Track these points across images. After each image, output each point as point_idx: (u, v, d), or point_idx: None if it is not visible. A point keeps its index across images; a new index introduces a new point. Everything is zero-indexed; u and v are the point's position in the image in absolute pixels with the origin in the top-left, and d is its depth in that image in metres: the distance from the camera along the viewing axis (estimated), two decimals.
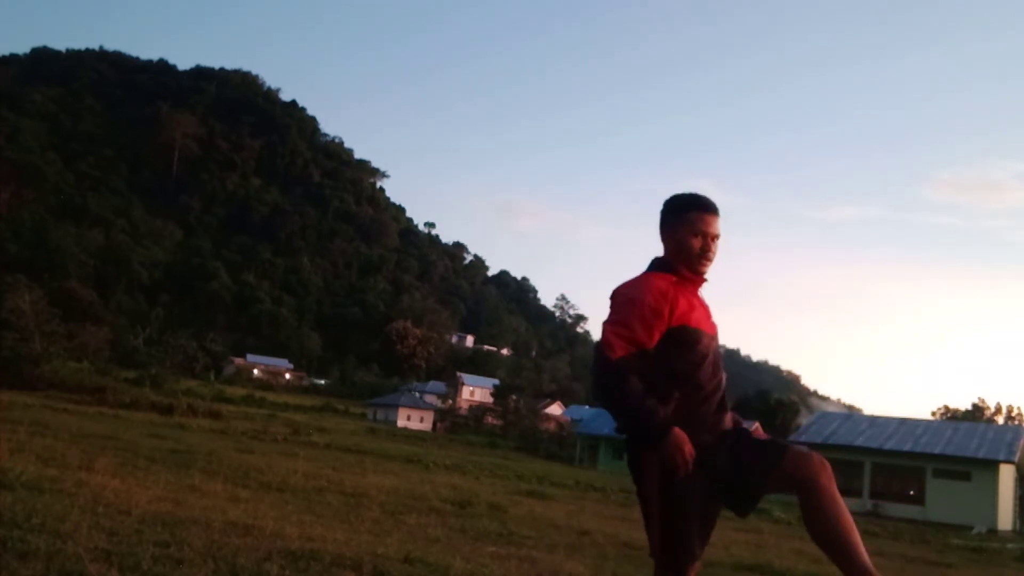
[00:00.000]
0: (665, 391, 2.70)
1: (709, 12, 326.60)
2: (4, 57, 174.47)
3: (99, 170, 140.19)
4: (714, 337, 2.83)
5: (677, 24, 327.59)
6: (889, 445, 35.24)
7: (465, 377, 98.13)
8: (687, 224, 2.82)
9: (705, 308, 2.87)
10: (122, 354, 79.65)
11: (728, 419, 2.83)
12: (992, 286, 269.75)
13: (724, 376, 2.86)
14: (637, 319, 2.68)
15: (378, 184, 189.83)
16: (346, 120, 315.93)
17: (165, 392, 48.73)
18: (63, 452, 10.33)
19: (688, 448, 2.61)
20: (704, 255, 2.82)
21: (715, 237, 2.83)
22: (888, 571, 10.95)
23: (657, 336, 2.69)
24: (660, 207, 2.94)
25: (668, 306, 2.71)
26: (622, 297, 2.76)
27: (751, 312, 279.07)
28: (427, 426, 76.02)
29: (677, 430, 2.61)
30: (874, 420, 39.52)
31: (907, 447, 34.99)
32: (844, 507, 2.69)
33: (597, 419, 58.45)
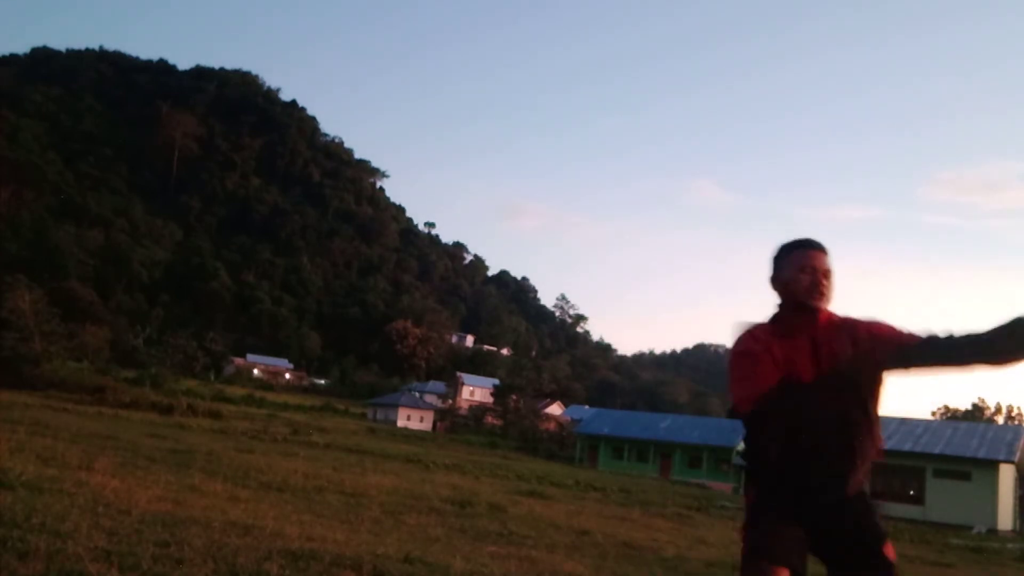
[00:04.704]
0: (765, 445, 2.71)
1: (710, 13, 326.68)
2: (4, 57, 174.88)
3: (99, 170, 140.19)
4: (815, 386, 2.69)
5: (678, 25, 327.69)
6: (889, 445, 35.19)
7: (465, 377, 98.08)
8: (792, 263, 2.81)
9: (811, 349, 2.74)
10: (122, 354, 79.65)
11: (854, 481, 2.70)
12: (992, 286, 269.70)
13: (853, 429, 2.69)
14: (740, 373, 2.71)
15: (378, 184, 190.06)
16: (346, 120, 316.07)
17: (165, 392, 48.74)
18: (63, 452, 10.33)
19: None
20: (814, 288, 2.77)
21: (826, 272, 2.80)
22: None
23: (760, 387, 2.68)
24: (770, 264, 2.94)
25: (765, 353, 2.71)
26: (729, 356, 2.80)
27: (751, 312, 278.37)
28: (427, 426, 76.02)
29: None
30: None
31: (907, 447, 34.99)
32: None
33: (597, 419, 58.50)
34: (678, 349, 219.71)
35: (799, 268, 2.80)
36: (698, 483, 43.33)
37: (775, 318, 2.84)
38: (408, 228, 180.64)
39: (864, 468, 2.73)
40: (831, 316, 2.81)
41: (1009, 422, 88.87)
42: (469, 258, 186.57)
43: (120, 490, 7.12)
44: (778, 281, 2.86)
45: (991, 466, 32.96)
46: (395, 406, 78.34)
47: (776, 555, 2.61)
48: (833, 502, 2.70)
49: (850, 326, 2.80)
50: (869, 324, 2.80)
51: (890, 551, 2.75)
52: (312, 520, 7.35)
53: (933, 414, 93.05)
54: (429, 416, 79.41)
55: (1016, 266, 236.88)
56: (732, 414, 2.78)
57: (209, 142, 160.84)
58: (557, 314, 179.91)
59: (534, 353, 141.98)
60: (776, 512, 2.69)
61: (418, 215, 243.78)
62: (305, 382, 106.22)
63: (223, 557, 4.61)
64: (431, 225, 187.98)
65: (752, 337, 2.77)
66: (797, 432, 2.65)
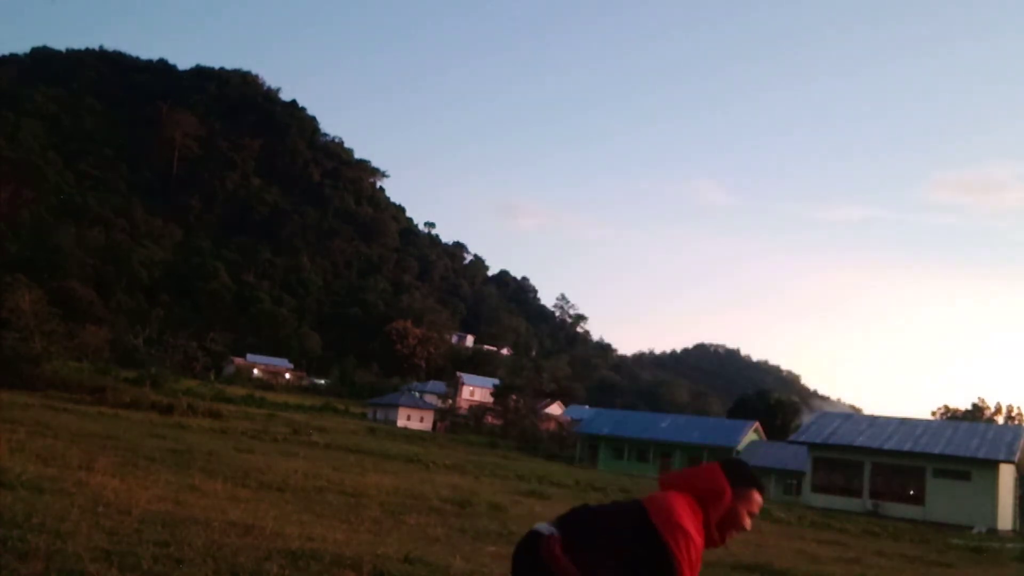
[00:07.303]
0: None
1: (710, 13, 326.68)
2: (4, 57, 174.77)
3: (99, 170, 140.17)
4: None
5: (678, 25, 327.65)
6: (889, 445, 35.20)
7: (465, 377, 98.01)
8: (748, 502, 2.85)
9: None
10: (122, 354, 79.54)
11: None
12: (992, 286, 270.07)
13: None
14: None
15: (378, 184, 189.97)
16: (346, 120, 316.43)
17: (165, 392, 48.66)
18: (63, 452, 10.33)
19: None
20: (743, 531, 2.88)
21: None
22: (888, 571, 10.95)
23: None
24: (727, 464, 2.92)
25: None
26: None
27: (751, 312, 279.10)
28: (427, 426, 75.98)
29: None
30: (874, 420, 39.48)
31: (907, 447, 34.95)
32: None
33: (597, 419, 58.47)
34: (678, 349, 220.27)
35: (749, 510, 2.87)
36: None
37: (707, 526, 2.82)
38: (408, 228, 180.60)
39: None
40: None
41: (1009, 422, 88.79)
42: (469, 258, 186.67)
43: (120, 490, 7.12)
44: (732, 505, 2.84)
45: (991, 466, 32.94)
46: (395, 406, 78.31)
47: None
48: None
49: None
50: None
51: None
52: (312, 520, 7.35)
53: (933, 414, 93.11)
54: (429, 416, 79.38)
55: (1016, 266, 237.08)
56: None
57: (209, 142, 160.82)
58: (557, 314, 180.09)
59: (534, 353, 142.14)
60: None
61: (418, 215, 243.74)
62: (305, 382, 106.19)
63: (223, 557, 4.61)
64: (431, 225, 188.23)
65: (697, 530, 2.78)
66: None
